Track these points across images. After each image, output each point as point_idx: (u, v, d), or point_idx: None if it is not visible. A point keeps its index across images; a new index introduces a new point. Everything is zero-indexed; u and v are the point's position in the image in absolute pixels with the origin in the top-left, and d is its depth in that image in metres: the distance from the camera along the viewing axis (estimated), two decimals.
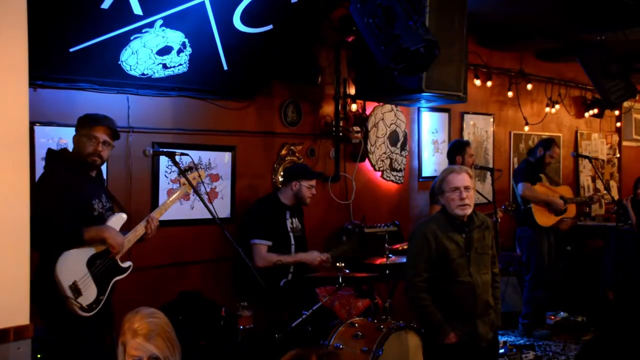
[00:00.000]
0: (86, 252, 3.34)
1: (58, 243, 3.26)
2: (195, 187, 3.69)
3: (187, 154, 3.86)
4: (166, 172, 4.63)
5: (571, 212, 6.62)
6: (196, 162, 4.74)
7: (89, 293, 3.32)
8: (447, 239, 3.73)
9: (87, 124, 3.50)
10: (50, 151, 3.57)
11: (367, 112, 6.00)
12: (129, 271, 3.57)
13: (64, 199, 3.32)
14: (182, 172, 3.66)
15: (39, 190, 3.29)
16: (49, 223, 3.18)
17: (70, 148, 3.62)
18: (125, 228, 3.60)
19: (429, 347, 3.89)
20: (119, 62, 4.04)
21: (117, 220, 3.54)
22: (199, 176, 3.90)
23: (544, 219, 6.29)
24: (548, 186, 6.47)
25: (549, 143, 6.51)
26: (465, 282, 3.72)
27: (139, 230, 3.60)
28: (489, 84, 7.31)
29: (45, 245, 3.24)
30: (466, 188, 3.73)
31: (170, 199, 3.80)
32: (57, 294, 3.22)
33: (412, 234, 3.91)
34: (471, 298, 3.72)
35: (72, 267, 3.27)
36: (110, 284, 3.45)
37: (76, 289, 3.25)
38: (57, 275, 3.21)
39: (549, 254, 6.38)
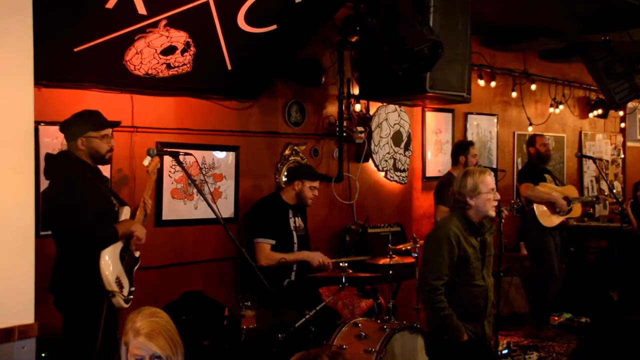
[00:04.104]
0: (117, 247, 3.50)
1: (97, 244, 3.40)
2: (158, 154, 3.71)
3: (190, 154, 3.87)
4: (170, 171, 4.63)
5: (576, 212, 6.59)
6: (200, 162, 4.76)
7: (126, 285, 3.49)
8: (467, 243, 3.71)
9: (97, 127, 3.58)
10: (51, 155, 3.62)
11: (371, 113, 6.00)
12: (140, 260, 3.71)
13: (91, 200, 3.45)
14: (181, 165, 3.67)
15: (67, 196, 3.42)
16: (86, 226, 3.36)
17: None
18: None
19: (436, 348, 3.85)
20: (123, 62, 4.04)
21: (126, 213, 3.69)
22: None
23: (548, 219, 6.26)
24: (552, 186, 6.44)
25: (530, 138, 6.59)
26: (479, 286, 3.73)
27: (140, 217, 3.72)
28: (493, 84, 7.31)
29: (84, 247, 3.40)
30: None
31: (150, 181, 3.91)
32: (85, 291, 3.36)
33: (433, 236, 3.83)
34: (483, 301, 3.74)
35: (113, 263, 3.44)
36: (133, 274, 3.61)
37: (119, 283, 3.42)
38: (104, 273, 3.37)
39: (555, 254, 6.36)
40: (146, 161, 3.71)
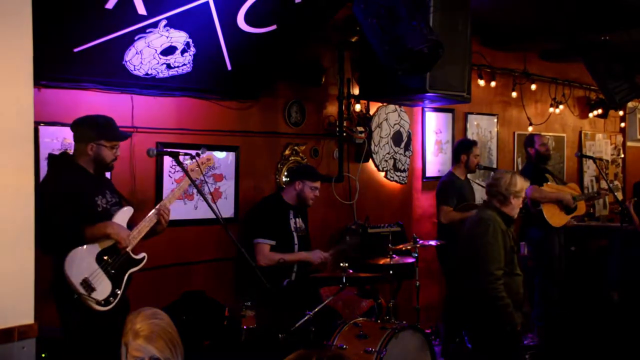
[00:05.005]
0: (94, 249, 3.43)
1: (62, 244, 3.33)
2: (204, 172, 3.73)
3: (190, 154, 3.87)
4: (170, 172, 4.63)
5: (581, 210, 6.59)
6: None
7: (103, 287, 3.40)
8: (508, 235, 3.97)
9: (111, 138, 3.57)
10: (51, 156, 3.64)
11: (371, 113, 5.99)
12: (143, 262, 3.62)
13: (63, 200, 3.38)
14: (181, 165, 3.68)
15: (38, 196, 3.37)
16: (50, 226, 3.25)
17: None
18: (133, 221, 3.67)
19: (492, 340, 3.99)
20: (123, 62, 4.04)
21: (123, 214, 3.61)
22: (207, 160, 3.94)
23: (556, 219, 6.24)
24: (555, 186, 6.44)
25: (527, 138, 6.59)
26: (519, 275, 4.00)
27: (148, 221, 3.65)
28: (493, 84, 7.30)
29: (50, 248, 3.34)
30: None
31: (178, 187, 3.85)
32: (71, 292, 3.31)
33: (485, 230, 3.96)
34: (523, 289, 4.02)
35: (81, 264, 3.35)
36: (125, 277, 3.52)
37: (88, 285, 3.34)
38: (66, 274, 3.30)
39: (560, 254, 6.35)
40: (189, 161, 3.73)
